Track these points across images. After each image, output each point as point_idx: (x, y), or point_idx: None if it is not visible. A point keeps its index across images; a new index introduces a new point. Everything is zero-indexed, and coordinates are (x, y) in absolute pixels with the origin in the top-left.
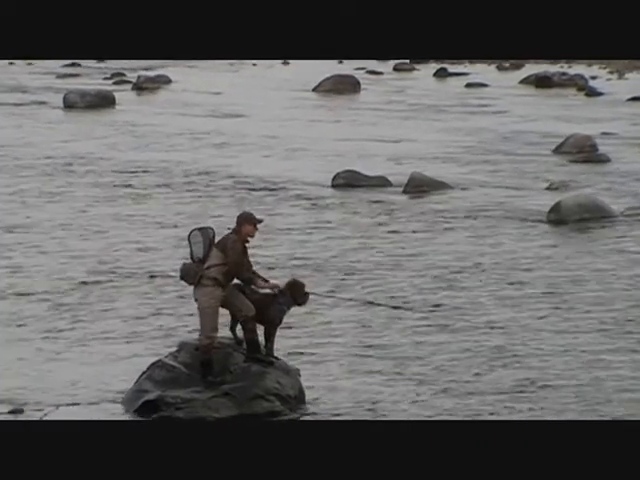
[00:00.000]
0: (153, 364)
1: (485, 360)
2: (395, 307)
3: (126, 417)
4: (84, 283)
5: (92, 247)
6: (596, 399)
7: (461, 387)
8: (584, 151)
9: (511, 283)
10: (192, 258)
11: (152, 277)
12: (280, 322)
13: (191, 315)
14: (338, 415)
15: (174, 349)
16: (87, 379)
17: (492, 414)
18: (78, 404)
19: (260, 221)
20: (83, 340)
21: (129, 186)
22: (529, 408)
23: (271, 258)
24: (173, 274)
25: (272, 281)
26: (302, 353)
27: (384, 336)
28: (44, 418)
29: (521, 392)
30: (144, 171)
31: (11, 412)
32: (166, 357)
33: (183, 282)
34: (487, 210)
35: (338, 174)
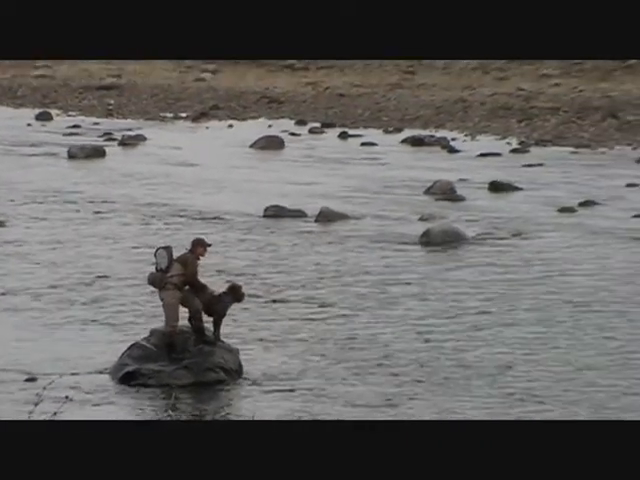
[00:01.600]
0: (132, 345)
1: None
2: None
3: (112, 384)
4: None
5: (77, 254)
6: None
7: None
8: (446, 192)
9: (388, 284)
10: (157, 269)
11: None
12: (224, 314)
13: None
14: (266, 380)
15: (147, 335)
16: (84, 356)
17: None
18: (78, 374)
19: (209, 245)
20: (83, 325)
21: (111, 211)
22: None
23: (221, 266)
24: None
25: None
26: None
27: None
28: (51, 386)
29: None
30: (117, 202)
31: (27, 380)
32: (141, 340)
33: (150, 287)
34: (370, 233)
35: (268, 207)
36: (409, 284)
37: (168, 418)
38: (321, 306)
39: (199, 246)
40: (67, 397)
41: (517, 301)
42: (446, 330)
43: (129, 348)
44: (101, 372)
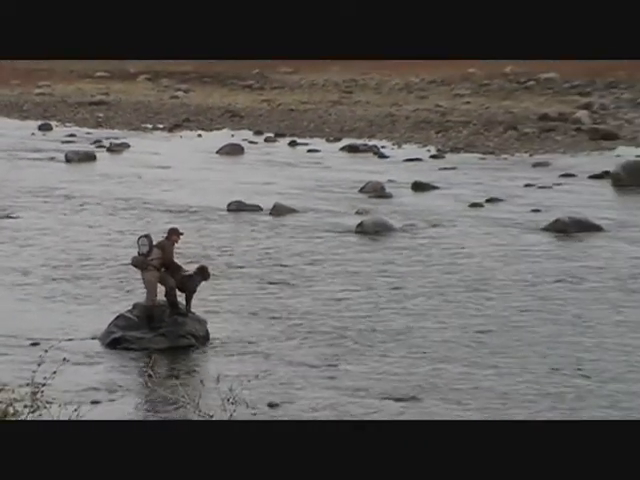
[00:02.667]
0: (118, 316)
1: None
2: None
3: (101, 348)
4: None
5: (72, 239)
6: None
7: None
8: (377, 191)
9: (320, 264)
10: (139, 253)
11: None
12: (194, 291)
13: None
14: (228, 344)
15: (131, 307)
16: (79, 325)
17: None
18: (72, 339)
19: (182, 233)
20: (78, 299)
21: (98, 204)
22: None
23: (194, 250)
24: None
25: (186, 268)
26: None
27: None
28: (51, 349)
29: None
30: (104, 198)
31: (32, 344)
32: (126, 312)
33: (134, 268)
34: (314, 224)
35: (230, 203)
36: (341, 265)
37: (148, 379)
38: (269, 283)
39: (174, 234)
40: (65, 359)
41: (424, 278)
42: (363, 301)
43: (116, 318)
44: (92, 338)
